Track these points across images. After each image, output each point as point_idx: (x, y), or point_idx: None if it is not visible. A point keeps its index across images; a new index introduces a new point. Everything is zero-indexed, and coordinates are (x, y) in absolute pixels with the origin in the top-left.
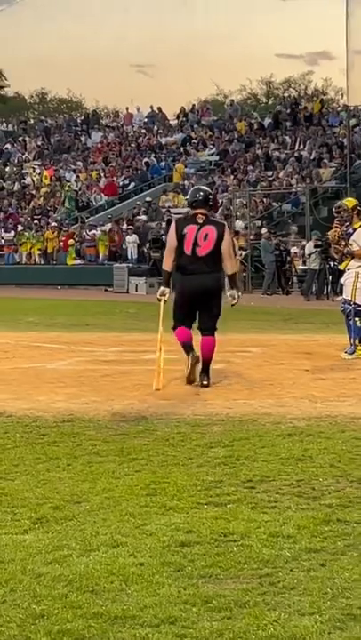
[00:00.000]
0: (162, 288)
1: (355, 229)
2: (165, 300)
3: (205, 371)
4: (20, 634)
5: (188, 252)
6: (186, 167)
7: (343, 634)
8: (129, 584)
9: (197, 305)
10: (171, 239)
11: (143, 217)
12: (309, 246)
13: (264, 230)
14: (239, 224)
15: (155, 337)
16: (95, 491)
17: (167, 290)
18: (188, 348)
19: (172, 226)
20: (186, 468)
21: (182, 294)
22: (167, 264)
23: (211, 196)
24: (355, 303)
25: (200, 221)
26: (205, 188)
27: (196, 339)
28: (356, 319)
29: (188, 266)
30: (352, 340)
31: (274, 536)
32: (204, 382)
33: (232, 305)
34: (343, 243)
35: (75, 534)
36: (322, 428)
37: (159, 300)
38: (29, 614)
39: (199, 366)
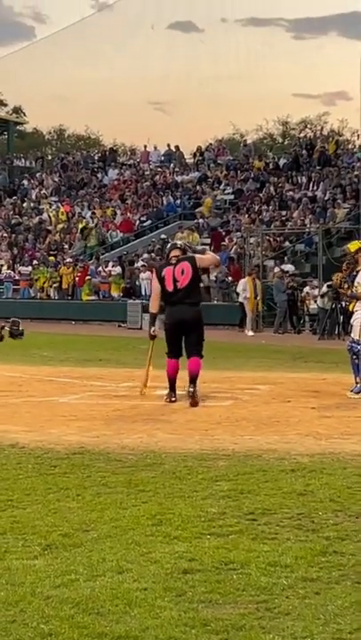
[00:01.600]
0: (151, 328)
1: (358, 272)
2: (155, 336)
3: (192, 382)
4: None
5: (170, 289)
6: (213, 201)
7: None
8: (132, 607)
9: (183, 333)
10: (154, 285)
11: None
12: (322, 286)
13: (277, 269)
14: (264, 263)
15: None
16: (103, 520)
17: (154, 328)
18: (171, 384)
19: (154, 274)
20: (191, 500)
21: (168, 323)
22: (153, 306)
23: (187, 248)
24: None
25: (174, 261)
26: (180, 243)
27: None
28: (356, 359)
29: (171, 298)
30: (358, 379)
31: (272, 565)
32: (190, 389)
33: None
34: (346, 286)
35: (82, 560)
36: (324, 465)
37: (151, 339)
38: (38, 633)
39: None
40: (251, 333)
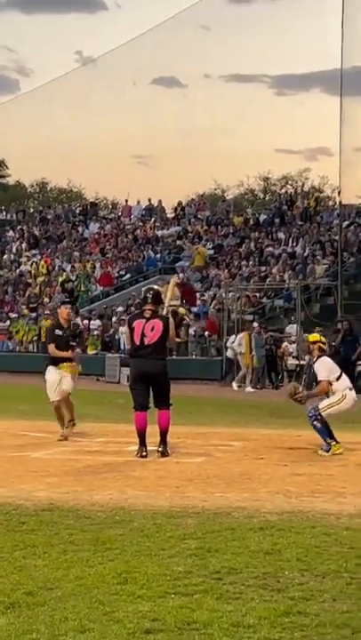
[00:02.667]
0: None
1: (314, 362)
2: None
3: (163, 441)
4: None
5: (137, 341)
6: (208, 248)
7: None
8: None
9: (148, 385)
10: (126, 334)
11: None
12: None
13: (255, 324)
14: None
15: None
16: (68, 578)
17: None
18: (141, 438)
19: (126, 323)
20: (158, 558)
21: (132, 376)
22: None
23: (160, 294)
24: (319, 413)
25: (147, 316)
26: (156, 287)
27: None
28: (315, 422)
29: (137, 352)
30: (327, 439)
31: (235, 626)
32: (160, 449)
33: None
34: (300, 391)
35: (45, 619)
36: (293, 523)
37: None
38: None
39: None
40: (250, 389)
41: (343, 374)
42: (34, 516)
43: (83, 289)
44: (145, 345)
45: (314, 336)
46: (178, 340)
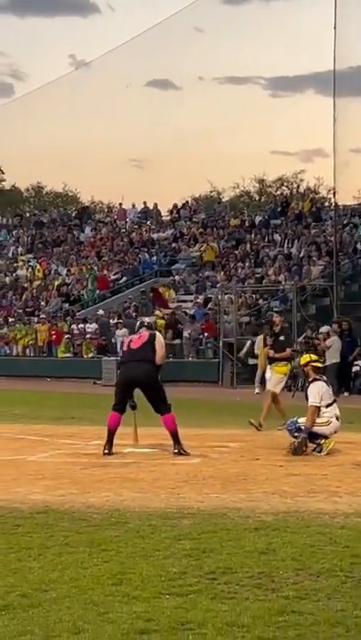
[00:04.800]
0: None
1: (310, 383)
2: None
3: (176, 442)
4: None
5: (125, 348)
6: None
7: None
8: None
9: (133, 389)
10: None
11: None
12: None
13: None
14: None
15: (139, 431)
16: (63, 580)
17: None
18: (110, 437)
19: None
20: (153, 559)
21: (120, 379)
22: None
23: (151, 326)
24: (299, 427)
25: (139, 332)
26: (148, 320)
27: None
28: (296, 433)
29: (125, 358)
30: (314, 441)
31: (229, 625)
32: (175, 451)
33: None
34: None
35: (39, 621)
36: (288, 523)
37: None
38: None
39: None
40: (258, 391)
41: (335, 403)
42: (29, 518)
43: (89, 290)
44: (131, 349)
45: (304, 358)
46: (162, 360)
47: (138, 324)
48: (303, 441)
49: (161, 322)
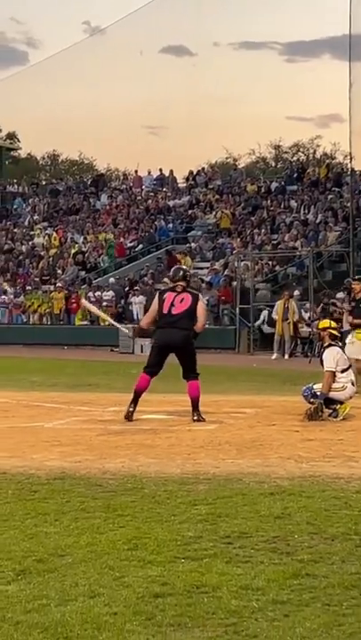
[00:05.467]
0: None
1: (325, 348)
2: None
3: (195, 409)
4: None
5: (165, 311)
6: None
7: None
8: (101, 631)
9: (168, 355)
10: (153, 304)
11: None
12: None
13: (296, 292)
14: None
15: (153, 397)
16: (79, 545)
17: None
18: (135, 398)
19: (157, 295)
20: (168, 524)
21: (156, 343)
22: (144, 322)
23: (188, 274)
24: (314, 392)
25: (179, 290)
26: (185, 267)
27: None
28: (312, 400)
29: (164, 321)
30: (331, 407)
31: (244, 588)
32: (195, 418)
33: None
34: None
35: (55, 585)
36: (304, 488)
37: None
38: None
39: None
40: (275, 356)
41: (350, 368)
42: (45, 484)
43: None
44: (172, 314)
45: (324, 322)
46: (203, 327)
47: (174, 271)
48: (319, 406)
49: None
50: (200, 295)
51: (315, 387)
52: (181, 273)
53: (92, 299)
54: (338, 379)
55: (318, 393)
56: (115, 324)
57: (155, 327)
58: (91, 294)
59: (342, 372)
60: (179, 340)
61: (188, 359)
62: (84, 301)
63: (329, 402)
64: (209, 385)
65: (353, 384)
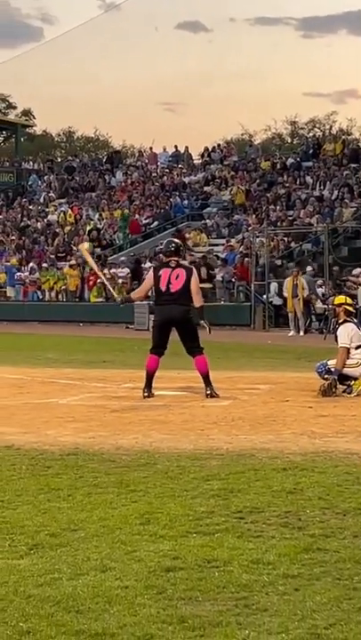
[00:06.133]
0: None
1: (339, 324)
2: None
3: (207, 384)
4: None
5: (163, 288)
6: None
7: None
8: (112, 605)
9: (169, 331)
10: (148, 280)
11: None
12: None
13: (309, 268)
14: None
15: (167, 374)
16: (91, 520)
17: (120, 299)
18: (148, 380)
19: (151, 270)
20: (181, 499)
21: (157, 321)
22: (135, 295)
23: (181, 247)
24: (328, 369)
25: (173, 265)
26: (177, 240)
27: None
28: (326, 376)
29: (162, 299)
30: (346, 383)
31: (255, 563)
32: (208, 393)
33: (209, 332)
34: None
35: (67, 559)
36: (316, 463)
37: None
38: (16, 631)
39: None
40: (292, 333)
41: None
42: (59, 460)
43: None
44: (170, 292)
45: (340, 298)
46: (199, 302)
47: (165, 245)
48: (333, 382)
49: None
50: (193, 269)
51: (329, 363)
52: (173, 246)
53: (107, 275)
54: (352, 355)
55: (332, 369)
56: (106, 283)
57: (153, 305)
58: (106, 271)
59: (357, 348)
60: (178, 315)
61: (189, 334)
62: (83, 246)
63: (343, 378)
64: (223, 361)
65: None
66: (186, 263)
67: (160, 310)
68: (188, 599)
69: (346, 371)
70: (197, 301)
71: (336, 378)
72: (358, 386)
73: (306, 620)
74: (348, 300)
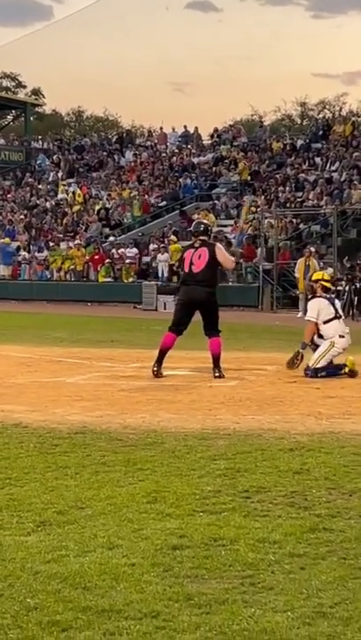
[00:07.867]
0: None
1: (311, 298)
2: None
3: (216, 365)
4: (13, 623)
5: (186, 269)
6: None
7: (311, 629)
8: (119, 582)
9: (192, 312)
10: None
11: (173, 237)
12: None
13: (312, 249)
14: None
15: (175, 354)
16: (98, 497)
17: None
18: (160, 356)
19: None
20: (188, 478)
21: (180, 301)
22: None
23: (210, 228)
24: (314, 369)
25: (197, 245)
26: (206, 221)
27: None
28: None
29: (186, 279)
30: (337, 372)
31: (261, 541)
32: (216, 374)
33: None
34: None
35: (74, 537)
36: (323, 444)
37: None
38: (24, 607)
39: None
40: (300, 314)
41: (337, 320)
42: (67, 438)
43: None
44: (193, 273)
45: (318, 274)
46: (232, 263)
47: (195, 226)
48: (296, 354)
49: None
50: (216, 243)
51: (310, 363)
52: (202, 227)
53: (116, 255)
54: (322, 333)
55: (316, 367)
56: None
57: (178, 284)
58: (114, 251)
59: (325, 322)
60: (200, 297)
61: (210, 315)
62: None
63: (337, 368)
64: (231, 342)
65: (342, 336)
66: (210, 242)
67: (184, 290)
68: (195, 577)
69: (323, 361)
70: (229, 264)
71: (302, 350)
72: (351, 365)
73: (311, 599)
74: (326, 276)
